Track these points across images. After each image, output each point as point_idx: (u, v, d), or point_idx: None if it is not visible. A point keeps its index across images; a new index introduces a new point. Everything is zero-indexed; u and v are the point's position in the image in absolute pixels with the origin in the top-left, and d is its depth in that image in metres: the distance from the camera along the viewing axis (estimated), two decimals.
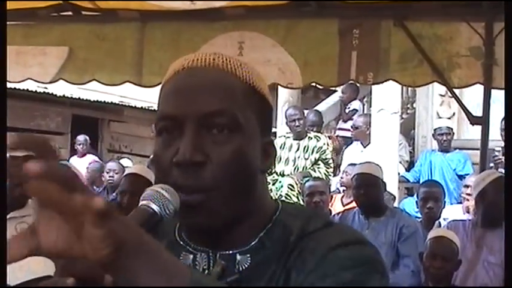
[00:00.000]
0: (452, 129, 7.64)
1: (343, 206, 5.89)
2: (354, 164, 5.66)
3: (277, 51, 4.35)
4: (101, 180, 7.64)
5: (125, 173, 4.74)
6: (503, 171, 4.72)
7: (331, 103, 10.13)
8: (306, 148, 6.58)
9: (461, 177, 7.08)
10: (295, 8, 4.37)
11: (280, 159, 6.59)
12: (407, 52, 4.20)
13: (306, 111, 7.39)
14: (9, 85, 6.06)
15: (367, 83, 4.49)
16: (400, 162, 7.90)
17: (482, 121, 4.25)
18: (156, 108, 1.10)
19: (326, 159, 6.63)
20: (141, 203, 1.02)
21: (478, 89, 4.35)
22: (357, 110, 9.06)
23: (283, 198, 6.18)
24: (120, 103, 11.95)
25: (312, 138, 6.66)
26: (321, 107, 9.95)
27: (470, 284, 3.88)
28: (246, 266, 1.07)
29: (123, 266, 0.81)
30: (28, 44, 4.72)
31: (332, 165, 6.87)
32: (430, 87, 8.04)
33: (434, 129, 7.71)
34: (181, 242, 1.12)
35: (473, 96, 5.56)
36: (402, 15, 4.22)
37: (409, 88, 8.75)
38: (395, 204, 6.42)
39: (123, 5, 4.46)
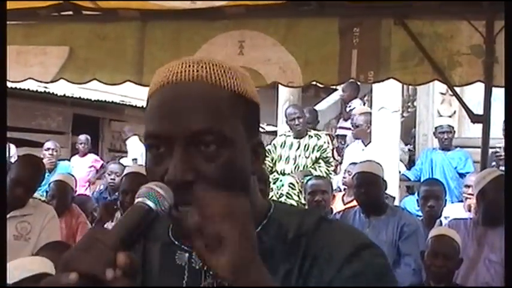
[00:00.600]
0: (453, 127, 7.63)
1: (344, 204, 5.89)
2: (355, 163, 5.65)
3: (277, 50, 4.35)
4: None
5: (124, 173, 4.75)
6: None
7: (332, 102, 10.14)
8: (307, 147, 6.59)
9: (462, 175, 7.07)
10: (295, 6, 4.37)
11: (281, 158, 6.59)
12: (408, 50, 4.20)
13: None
14: (10, 85, 6.06)
15: (367, 81, 4.49)
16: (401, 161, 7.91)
17: (483, 119, 4.24)
18: (144, 120, 1.11)
19: (327, 157, 6.63)
20: (136, 200, 1.04)
21: (479, 87, 4.35)
22: None
23: (284, 197, 6.18)
24: (121, 102, 11.96)
25: (312, 136, 6.66)
26: (322, 105, 9.96)
27: (471, 283, 3.88)
28: None
29: None
30: (29, 44, 4.73)
31: (333, 163, 6.87)
32: (431, 86, 8.04)
33: (435, 128, 7.70)
34: (176, 242, 1.15)
35: (474, 94, 5.56)
36: (403, 13, 4.22)
37: (410, 86, 8.75)
38: (396, 203, 6.41)
39: (124, 5, 4.46)
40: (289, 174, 6.44)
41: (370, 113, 7.83)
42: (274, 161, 6.60)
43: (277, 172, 6.52)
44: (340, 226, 1.17)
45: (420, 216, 5.15)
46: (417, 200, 5.18)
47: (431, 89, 8.56)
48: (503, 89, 3.05)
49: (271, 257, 1.09)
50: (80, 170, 8.51)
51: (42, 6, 4.52)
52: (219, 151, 1.06)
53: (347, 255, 1.08)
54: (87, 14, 4.65)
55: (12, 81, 5.01)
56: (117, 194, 5.97)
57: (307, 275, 1.09)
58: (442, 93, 8.60)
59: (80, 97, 11.25)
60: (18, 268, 2.57)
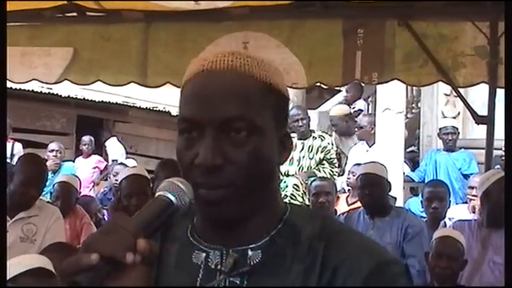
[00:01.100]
0: (457, 128, 7.63)
1: (348, 205, 5.89)
2: (360, 164, 5.65)
3: (281, 52, 4.35)
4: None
5: (123, 176, 4.36)
6: None
7: (336, 103, 10.13)
8: (311, 148, 6.58)
9: (466, 176, 7.06)
10: (299, 8, 4.37)
11: None
12: (412, 52, 4.20)
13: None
14: (14, 86, 6.08)
15: (371, 82, 4.49)
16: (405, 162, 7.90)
17: (488, 120, 4.24)
18: (178, 106, 1.16)
19: (331, 158, 6.62)
20: (158, 193, 1.09)
21: (483, 88, 4.34)
22: (361, 110, 9.05)
23: (288, 198, 6.18)
24: (125, 103, 11.96)
25: (316, 138, 6.66)
26: (326, 106, 9.95)
27: (475, 284, 3.87)
28: (257, 260, 1.12)
29: None
30: (33, 45, 4.73)
31: (337, 164, 6.86)
32: (435, 87, 8.03)
33: (440, 129, 7.70)
34: (194, 242, 1.17)
35: (478, 95, 5.55)
36: (407, 14, 4.22)
37: (414, 88, 8.74)
38: (401, 204, 6.40)
39: (128, 6, 4.47)
40: (293, 175, 6.43)
41: (374, 114, 7.82)
42: None
43: (281, 173, 6.51)
44: (360, 237, 1.19)
45: (424, 217, 5.15)
46: (421, 202, 5.17)
47: (436, 90, 8.55)
48: None
49: (283, 257, 1.12)
50: (84, 171, 8.52)
51: (46, 8, 4.53)
52: (249, 138, 1.10)
53: (372, 269, 1.09)
54: (91, 15, 4.66)
55: (16, 83, 5.02)
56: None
57: (329, 284, 1.10)
58: (446, 95, 8.59)
59: (84, 98, 11.26)
60: (13, 264, 2.56)
